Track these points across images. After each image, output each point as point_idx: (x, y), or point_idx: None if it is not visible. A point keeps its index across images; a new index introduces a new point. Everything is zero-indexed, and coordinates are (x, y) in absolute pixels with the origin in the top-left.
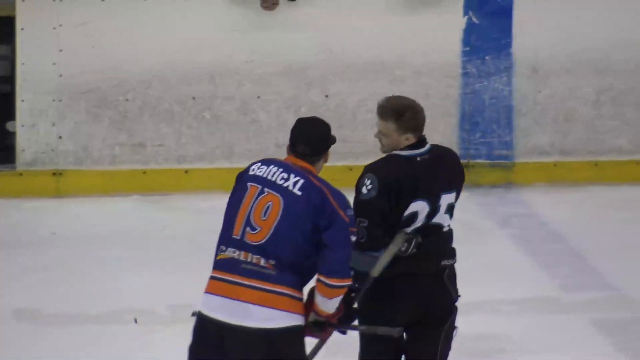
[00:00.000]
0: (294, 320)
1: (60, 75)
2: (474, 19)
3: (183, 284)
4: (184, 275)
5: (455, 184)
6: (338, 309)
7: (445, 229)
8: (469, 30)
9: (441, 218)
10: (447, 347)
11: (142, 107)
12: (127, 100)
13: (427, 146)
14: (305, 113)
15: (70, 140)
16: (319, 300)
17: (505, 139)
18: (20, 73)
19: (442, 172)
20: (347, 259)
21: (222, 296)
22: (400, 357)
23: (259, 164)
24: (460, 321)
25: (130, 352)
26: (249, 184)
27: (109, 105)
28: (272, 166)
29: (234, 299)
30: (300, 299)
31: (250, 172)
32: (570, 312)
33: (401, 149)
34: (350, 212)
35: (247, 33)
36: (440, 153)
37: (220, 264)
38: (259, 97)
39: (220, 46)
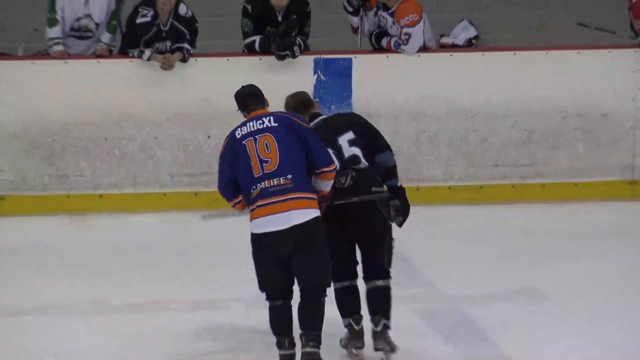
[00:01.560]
0: (313, 213)
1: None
2: (322, 77)
3: (96, 283)
4: (97, 276)
5: (345, 128)
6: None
7: (362, 167)
8: (318, 86)
9: (351, 154)
10: (390, 254)
11: (65, 146)
12: (54, 140)
13: (321, 116)
14: (191, 151)
15: (10, 171)
16: (323, 185)
17: None
18: None
19: (331, 126)
20: (328, 152)
21: (264, 216)
22: (357, 263)
23: (239, 129)
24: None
25: (50, 342)
26: (243, 142)
27: (39, 145)
28: (248, 123)
29: (273, 214)
30: (314, 198)
31: (238, 136)
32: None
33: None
34: (307, 124)
35: (147, 87)
36: (332, 115)
37: (256, 198)
38: (155, 138)
39: (125, 98)
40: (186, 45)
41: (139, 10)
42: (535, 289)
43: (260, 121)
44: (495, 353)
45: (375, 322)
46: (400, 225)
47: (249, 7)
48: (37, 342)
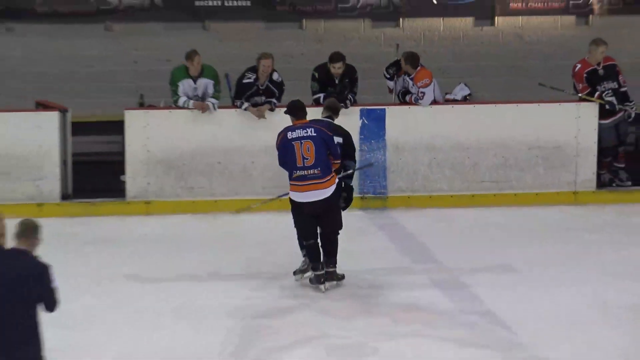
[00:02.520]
0: (332, 189)
1: None
2: (365, 121)
3: (220, 258)
4: (216, 254)
5: (339, 134)
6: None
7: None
8: (363, 127)
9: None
10: (340, 216)
11: (191, 168)
12: (184, 164)
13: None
14: (276, 171)
15: (154, 185)
16: (333, 167)
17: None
18: None
19: (333, 127)
20: (339, 152)
21: (302, 192)
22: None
23: (289, 132)
24: None
25: None
26: (292, 142)
27: (174, 167)
28: (297, 130)
29: (308, 191)
30: (333, 181)
31: (289, 137)
32: (418, 274)
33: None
34: (331, 132)
35: (247, 128)
36: (336, 124)
37: (297, 179)
38: (252, 162)
39: (232, 135)
40: (274, 100)
41: (246, 74)
42: (508, 264)
43: (305, 130)
44: (482, 306)
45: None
46: (343, 209)
47: (316, 74)
48: (195, 300)
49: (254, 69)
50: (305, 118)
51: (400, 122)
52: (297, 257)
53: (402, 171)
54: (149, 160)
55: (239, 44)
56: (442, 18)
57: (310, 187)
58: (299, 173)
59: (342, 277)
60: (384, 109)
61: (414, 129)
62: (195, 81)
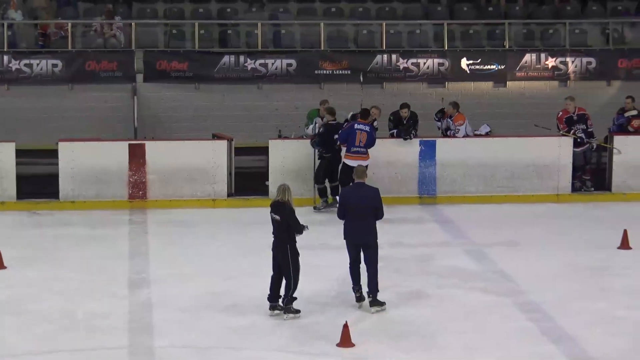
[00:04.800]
0: (367, 161)
1: None
2: (423, 148)
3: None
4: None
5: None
6: None
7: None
8: (421, 153)
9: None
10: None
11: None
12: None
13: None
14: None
15: (272, 186)
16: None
17: None
18: None
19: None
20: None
21: (354, 160)
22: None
23: (356, 124)
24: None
25: None
26: (355, 130)
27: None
28: (360, 124)
29: (358, 160)
30: (368, 157)
31: (355, 127)
32: (451, 246)
33: None
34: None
35: None
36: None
37: (352, 153)
38: (373, 173)
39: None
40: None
41: (344, 123)
42: (514, 239)
43: (362, 125)
44: (496, 267)
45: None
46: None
47: (391, 117)
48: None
49: (352, 118)
50: (366, 119)
51: (445, 148)
52: None
53: (446, 180)
54: (284, 171)
55: (342, 97)
56: (472, 82)
57: (359, 158)
58: (355, 149)
59: None
60: (435, 140)
61: (453, 154)
62: (322, 119)
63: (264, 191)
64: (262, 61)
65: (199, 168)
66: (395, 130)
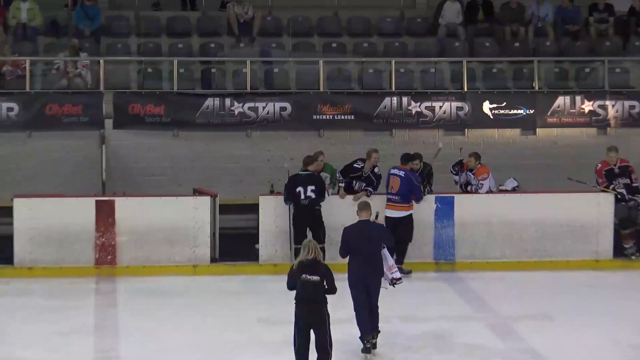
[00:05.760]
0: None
1: None
2: (439, 205)
3: None
4: None
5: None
6: None
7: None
8: (437, 209)
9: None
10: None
11: None
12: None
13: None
14: None
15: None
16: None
17: None
18: None
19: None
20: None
21: (387, 209)
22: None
23: (392, 169)
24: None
25: None
26: (391, 177)
27: None
28: (394, 169)
29: (391, 209)
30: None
31: (390, 172)
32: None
33: None
34: (419, 181)
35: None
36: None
37: (387, 201)
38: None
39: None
40: (370, 188)
41: (357, 161)
42: (545, 312)
43: (398, 169)
44: (523, 344)
45: None
46: None
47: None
48: None
49: (363, 160)
50: (405, 164)
51: (465, 206)
52: None
53: (466, 242)
54: (277, 232)
55: (345, 147)
56: (496, 129)
57: (390, 207)
58: (388, 196)
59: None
60: (453, 196)
61: (474, 209)
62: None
63: (253, 256)
64: (251, 104)
65: (177, 229)
66: None
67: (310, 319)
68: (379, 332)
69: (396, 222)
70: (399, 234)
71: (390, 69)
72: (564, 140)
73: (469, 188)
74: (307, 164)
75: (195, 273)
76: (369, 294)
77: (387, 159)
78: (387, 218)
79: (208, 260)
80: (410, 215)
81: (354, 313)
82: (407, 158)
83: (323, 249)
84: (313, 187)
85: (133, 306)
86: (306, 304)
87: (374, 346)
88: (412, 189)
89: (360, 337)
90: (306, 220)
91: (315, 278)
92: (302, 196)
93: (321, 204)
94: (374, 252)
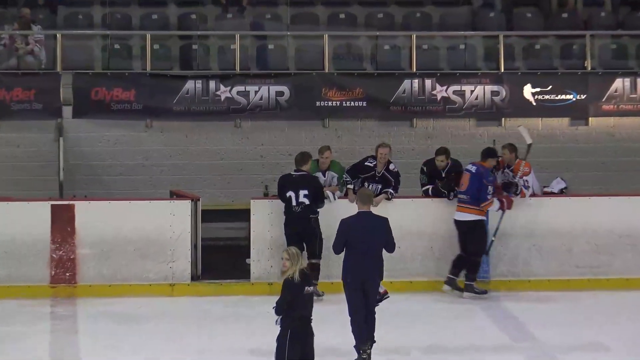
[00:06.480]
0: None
1: None
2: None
3: None
4: None
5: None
6: None
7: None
8: None
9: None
10: (320, 246)
11: None
12: None
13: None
14: None
15: None
16: None
17: None
18: None
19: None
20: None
21: (457, 212)
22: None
23: (468, 165)
24: None
25: None
26: (463, 173)
27: None
28: (470, 165)
29: (458, 211)
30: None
31: (465, 168)
32: None
33: None
34: (490, 181)
35: None
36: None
37: (458, 200)
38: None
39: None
40: (390, 190)
41: (368, 158)
42: (600, 342)
43: (472, 165)
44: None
45: None
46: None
47: (424, 168)
48: None
49: (374, 157)
50: (486, 162)
51: (501, 212)
52: None
53: (504, 257)
54: (272, 245)
55: (355, 140)
56: (540, 118)
57: (458, 209)
58: (459, 196)
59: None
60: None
61: (515, 218)
62: (324, 174)
63: (243, 272)
64: (241, 88)
65: (151, 239)
66: (430, 186)
67: (309, 339)
68: (375, 342)
69: (464, 229)
70: (467, 243)
71: (411, 45)
72: (623, 131)
73: (511, 192)
74: (299, 163)
75: (172, 294)
76: (366, 295)
77: (407, 154)
78: (454, 222)
79: (188, 278)
80: (482, 221)
81: (349, 318)
82: (486, 153)
83: (318, 266)
84: (306, 192)
85: (97, 334)
86: (303, 322)
87: (369, 357)
88: (480, 188)
89: (355, 347)
90: (298, 231)
91: (311, 289)
92: (294, 202)
93: (319, 210)
94: (375, 249)
